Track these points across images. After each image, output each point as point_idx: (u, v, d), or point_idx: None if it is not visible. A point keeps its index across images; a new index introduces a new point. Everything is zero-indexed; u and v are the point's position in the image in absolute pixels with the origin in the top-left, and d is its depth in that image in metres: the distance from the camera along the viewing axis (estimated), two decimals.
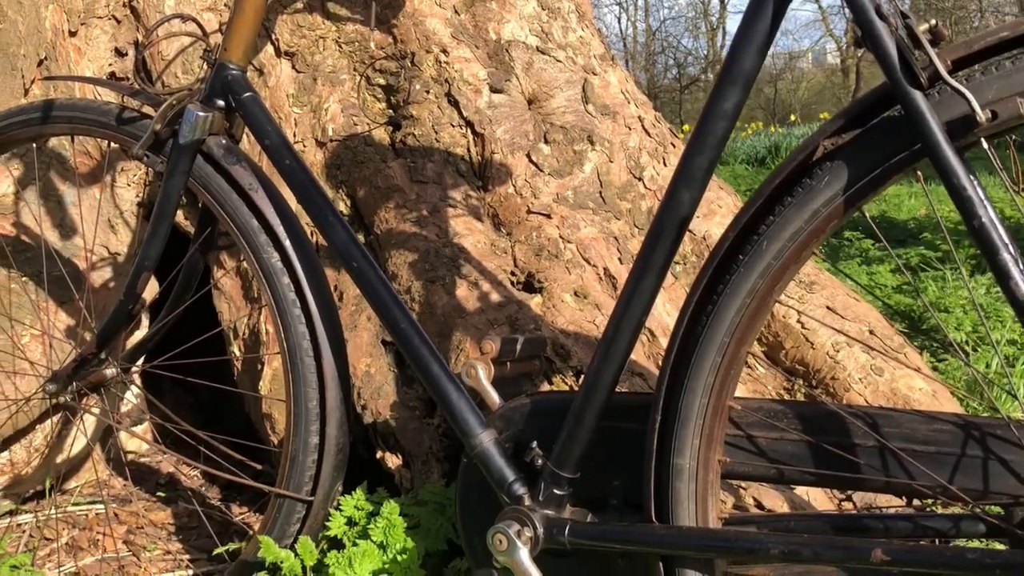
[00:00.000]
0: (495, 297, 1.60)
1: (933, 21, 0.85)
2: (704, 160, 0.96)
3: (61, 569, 1.71)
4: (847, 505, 1.59)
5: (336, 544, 1.38)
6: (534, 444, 1.11)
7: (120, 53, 1.90)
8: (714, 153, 0.96)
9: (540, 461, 1.10)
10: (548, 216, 1.72)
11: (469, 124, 1.77)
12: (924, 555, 0.86)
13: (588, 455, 1.07)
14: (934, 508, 1.35)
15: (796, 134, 11.86)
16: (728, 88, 0.95)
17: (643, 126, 1.89)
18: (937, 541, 1.03)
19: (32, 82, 1.84)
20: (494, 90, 1.80)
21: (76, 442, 1.97)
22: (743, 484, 1.37)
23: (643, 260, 1.01)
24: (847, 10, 0.88)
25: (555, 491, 1.08)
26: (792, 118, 17.08)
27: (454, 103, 1.78)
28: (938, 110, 0.84)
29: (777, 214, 0.93)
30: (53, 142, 1.83)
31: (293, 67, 1.84)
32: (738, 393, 1.08)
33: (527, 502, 1.09)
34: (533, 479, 1.10)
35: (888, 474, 0.98)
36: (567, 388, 1.46)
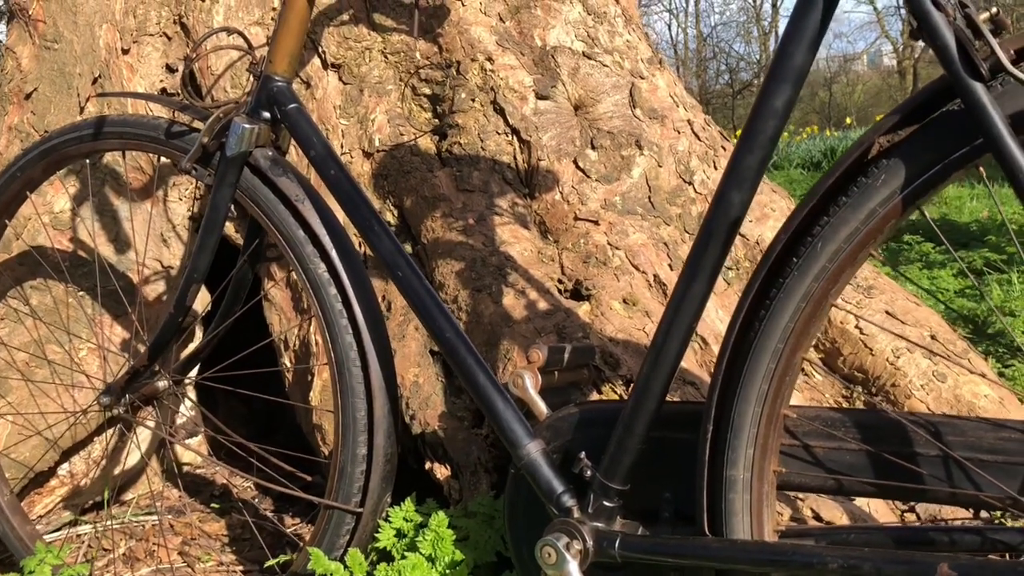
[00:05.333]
0: (542, 305, 1.58)
1: (994, 9, 0.81)
2: (754, 159, 0.94)
3: None
4: (910, 517, 1.53)
5: (385, 556, 1.37)
6: (583, 455, 1.09)
7: (171, 69, 1.93)
8: (764, 152, 0.94)
9: (589, 472, 1.08)
10: (596, 223, 1.69)
11: (515, 131, 1.76)
12: (994, 570, 0.82)
13: (638, 466, 1.05)
14: (1003, 521, 1.29)
15: (852, 137, 11.66)
16: (778, 85, 0.92)
17: (692, 130, 1.86)
18: (1008, 556, 0.98)
19: (87, 100, 1.88)
20: (540, 97, 1.79)
21: (132, 454, 2.00)
22: (800, 495, 1.33)
23: (693, 264, 0.98)
24: (902, 1, 0.84)
25: (605, 503, 1.06)
26: (848, 121, 16.78)
27: (500, 111, 1.76)
28: (1001, 102, 0.80)
29: (832, 215, 0.90)
30: (107, 158, 1.87)
31: (340, 79, 1.84)
32: (795, 402, 1.05)
33: (576, 514, 1.07)
34: (582, 490, 1.08)
35: (953, 485, 0.94)
36: (616, 397, 1.43)
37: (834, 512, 1.31)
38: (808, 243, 0.91)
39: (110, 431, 1.91)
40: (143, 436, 2.00)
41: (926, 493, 0.96)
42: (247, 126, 1.31)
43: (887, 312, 1.68)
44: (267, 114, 1.33)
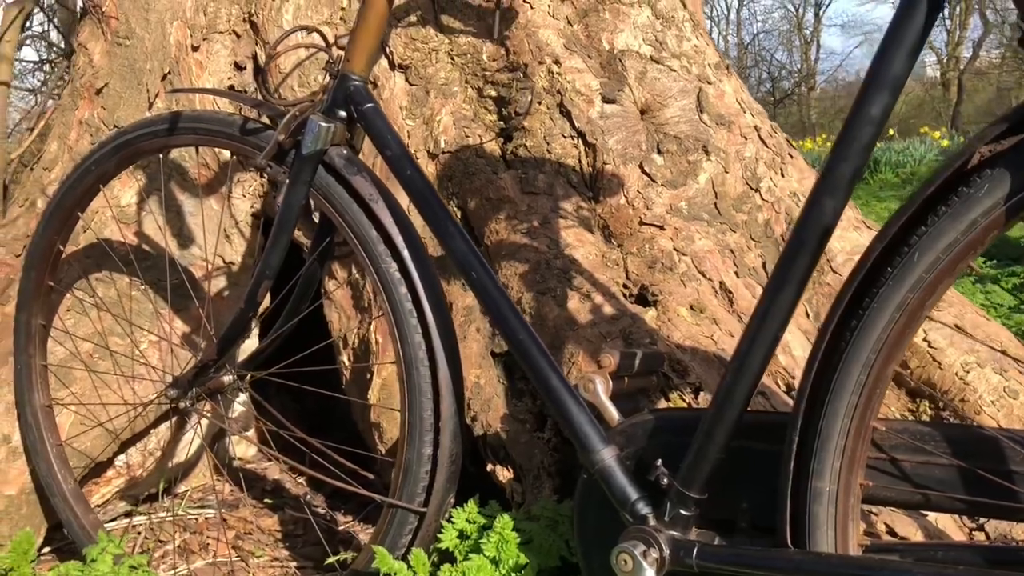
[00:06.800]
0: (607, 310, 1.57)
1: None
2: (849, 167, 0.92)
3: (175, 571, 1.75)
4: (978, 535, 1.50)
5: (447, 557, 1.37)
6: (659, 462, 1.08)
7: (239, 67, 1.95)
8: (860, 160, 0.92)
9: (666, 480, 1.06)
10: (661, 228, 1.68)
11: (581, 135, 1.75)
12: None
13: (716, 475, 1.03)
14: None
15: (895, 148, 11.49)
16: (875, 93, 0.90)
17: (759, 136, 1.84)
18: None
19: (156, 95, 1.90)
20: (606, 100, 1.78)
21: (188, 447, 2.02)
22: (874, 510, 1.30)
23: (781, 273, 0.96)
24: (1014, 10, 0.82)
25: (682, 511, 1.05)
26: (890, 132, 16.57)
27: (566, 114, 1.76)
28: None
29: (930, 224, 0.88)
30: (173, 153, 1.89)
31: (406, 80, 1.85)
32: None
33: (652, 522, 1.06)
34: (658, 498, 1.07)
35: None
36: (685, 405, 1.42)
37: (909, 528, 1.29)
38: (904, 253, 0.89)
39: (169, 423, 1.93)
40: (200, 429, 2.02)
41: (1022, 512, 0.94)
42: (324, 124, 1.32)
43: (956, 326, 1.65)
44: (343, 112, 1.34)
